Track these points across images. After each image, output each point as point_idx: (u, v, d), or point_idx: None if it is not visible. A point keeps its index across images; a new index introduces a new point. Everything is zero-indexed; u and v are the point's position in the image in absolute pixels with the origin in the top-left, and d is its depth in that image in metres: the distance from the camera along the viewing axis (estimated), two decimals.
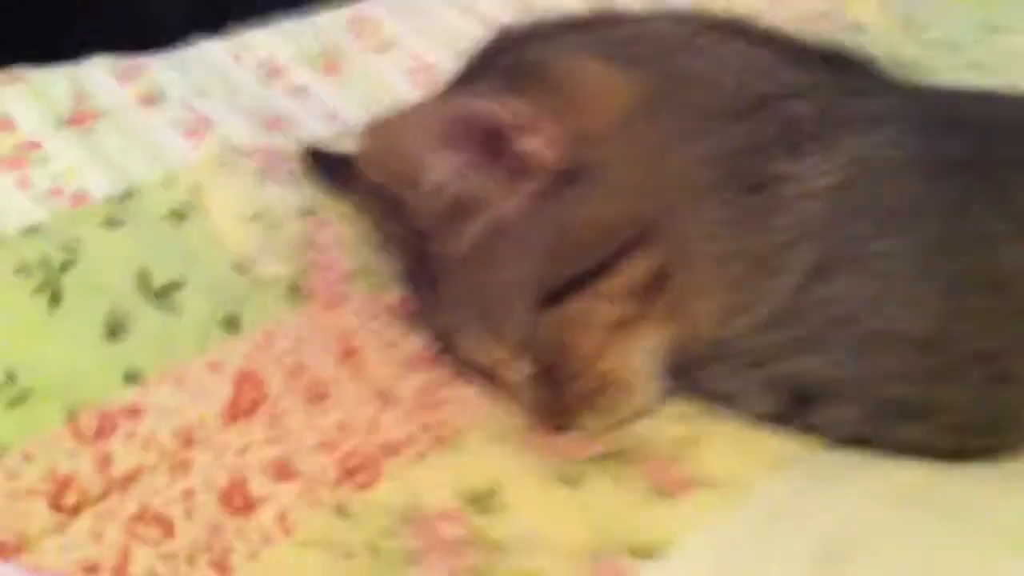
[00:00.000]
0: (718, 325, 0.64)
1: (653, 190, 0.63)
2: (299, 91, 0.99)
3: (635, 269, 0.62)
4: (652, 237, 0.62)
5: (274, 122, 0.94)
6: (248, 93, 0.96)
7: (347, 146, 0.83)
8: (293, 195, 0.84)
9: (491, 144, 0.62)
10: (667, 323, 0.64)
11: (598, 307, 0.63)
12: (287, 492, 0.64)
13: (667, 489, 0.63)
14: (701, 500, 0.62)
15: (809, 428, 0.65)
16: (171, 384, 0.69)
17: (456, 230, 0.65)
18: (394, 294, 0.77)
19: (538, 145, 0.62)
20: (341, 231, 0.82)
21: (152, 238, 0.78)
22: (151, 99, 0.91)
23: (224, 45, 1.03)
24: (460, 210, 0.64)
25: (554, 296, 0.63)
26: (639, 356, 0.65)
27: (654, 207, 0.63)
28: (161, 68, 0.95)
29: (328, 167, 0.82)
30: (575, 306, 0.63)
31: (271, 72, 1.01)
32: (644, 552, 0.59)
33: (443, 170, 0.63)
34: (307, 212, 0.83)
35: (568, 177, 0.63)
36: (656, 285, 0.62)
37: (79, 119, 0.86)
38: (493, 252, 0.64)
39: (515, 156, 0.63)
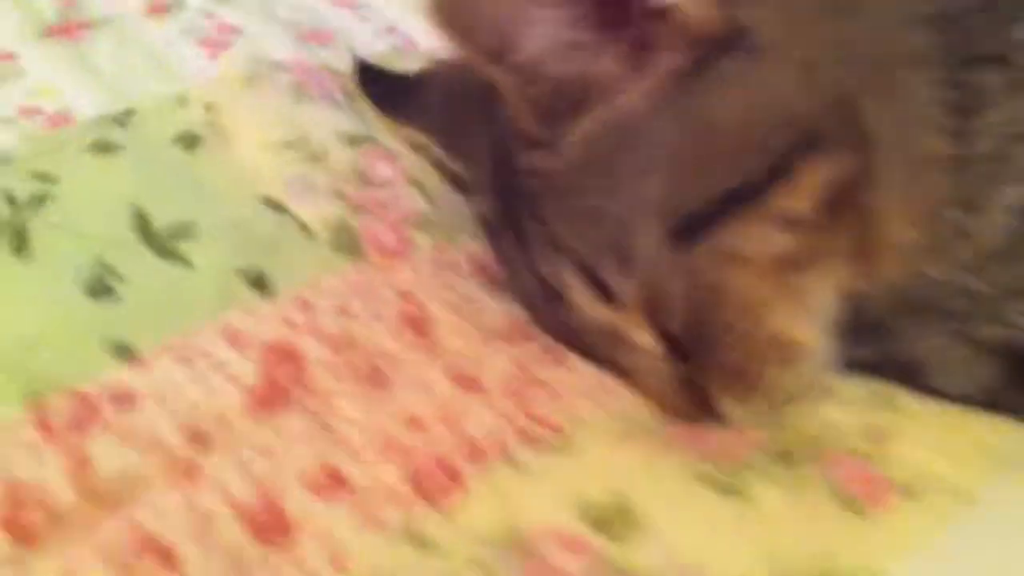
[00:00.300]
0: (917, 264, 0.56)
1: (836, 67, 0.54)
2: (351, 0, 0.98)
3: (809, 182, 0.53)
4: (832, 137, 0.53)
5: (318, 34, 0.90)
6: (287, 1, 0.96)
7: (407, 63, 0.79)
8: (340, 119, 0.77)
9: (611, 5, 0.52)
10: (849, 262, 0.55)
11: (757, 239, 0.54)
12: (335, 512, 0.55)
13: (859, 499, 0.56)
14: (908, 512, 0.55)
15: None
16: (175, 360, 0.61)
17: (559, 130, 0.55)
18: (471, 244, 0.70)
19: None
20: (402, 165, 0.75)
21: (154, 168, 0.71)
22: (162, 7, 0.92)
23: None
24: (565, 99, 0.55)
25: (695, 224, 0.54)
26: (812, 310, 0.56)
27: (836, 93, 0.53)
28: None
29: (384, 86, 0.76)
30: (724, 239, 0.54)
31: None
32: None
33: (544, 38, 0.53)
34: (358, 140, 0.77)
35: (717, 50, 0.53)
36: (837, 207, 0.53)
37: (66, 29, 0.85)
38: (609, 161, 0.55)
39: (645, 21, 0.53)
